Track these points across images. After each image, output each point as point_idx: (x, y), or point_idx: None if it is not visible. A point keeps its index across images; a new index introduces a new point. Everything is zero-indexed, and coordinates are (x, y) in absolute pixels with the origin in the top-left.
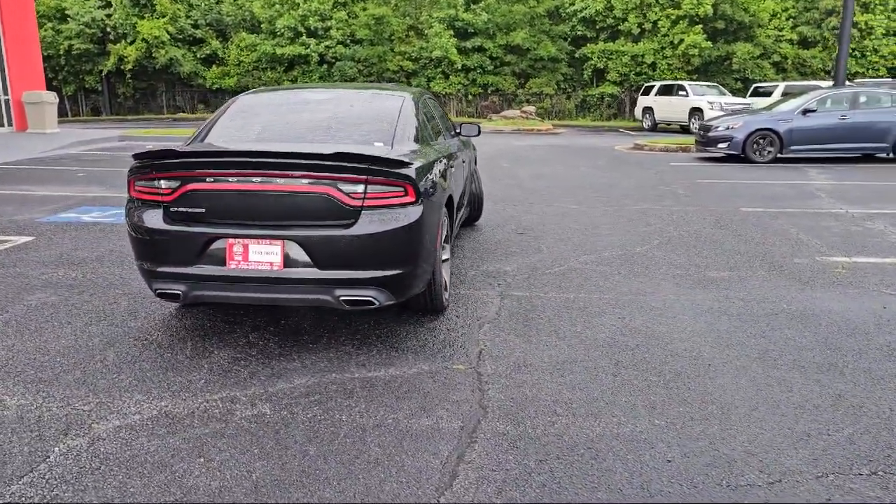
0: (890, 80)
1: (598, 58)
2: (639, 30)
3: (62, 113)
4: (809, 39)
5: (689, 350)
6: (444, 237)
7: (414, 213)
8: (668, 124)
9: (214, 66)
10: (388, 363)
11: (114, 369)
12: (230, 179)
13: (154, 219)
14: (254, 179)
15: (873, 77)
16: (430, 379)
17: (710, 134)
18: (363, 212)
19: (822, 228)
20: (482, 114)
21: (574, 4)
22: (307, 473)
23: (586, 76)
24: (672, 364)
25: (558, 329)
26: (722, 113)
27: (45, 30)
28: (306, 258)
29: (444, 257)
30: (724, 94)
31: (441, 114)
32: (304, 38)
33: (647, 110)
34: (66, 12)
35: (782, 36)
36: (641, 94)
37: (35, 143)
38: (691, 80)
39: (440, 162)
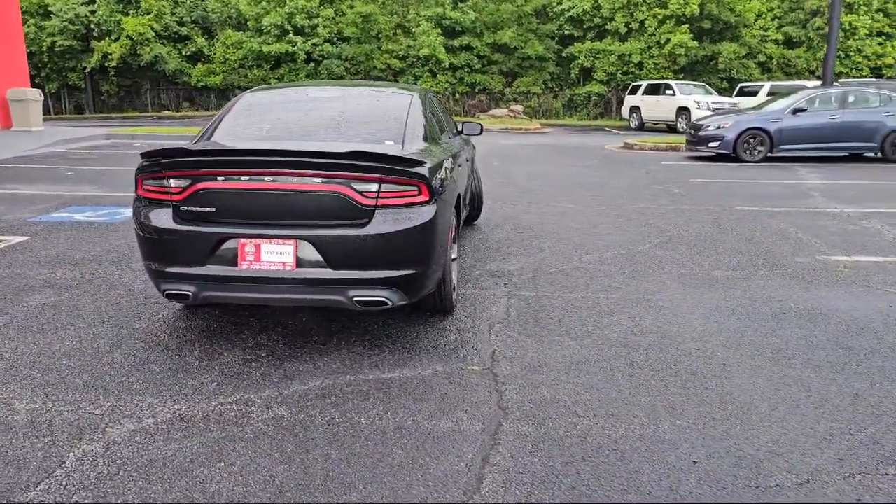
0: (875, 80)
1: (586, 57)
2: (626, 29)
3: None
4: (794, 39)
5: (702, 350)
6: (453, 236)
7: (428, 212)
8: (655, 123)
9: (200, 64)
10: (401, 364)
11: (123, 372)
12: (242, 178)
13: (163, 218)
14: (266, 178)
15: (857, 77)
16: (445, 380)
17: (701, 133)
18: (377, 211)
19: (820, 227)
20: (470, 112)
21: (561, 4)
22: (331, 477)
23: (573, 75)
24: (687, 364)
25: (569, 329)
26: (709, 112)
27: (28, 26)
28: (319, 258)
29: (452, 257)
30: (711, 94)
31: (444, 112)
32: (290, 35)
33: (635, 109)
34: (49, 8)
35: (767, 36)
36: (628, 94)
37: (20, 141)
38: (678, 79)
39: (449, 161)
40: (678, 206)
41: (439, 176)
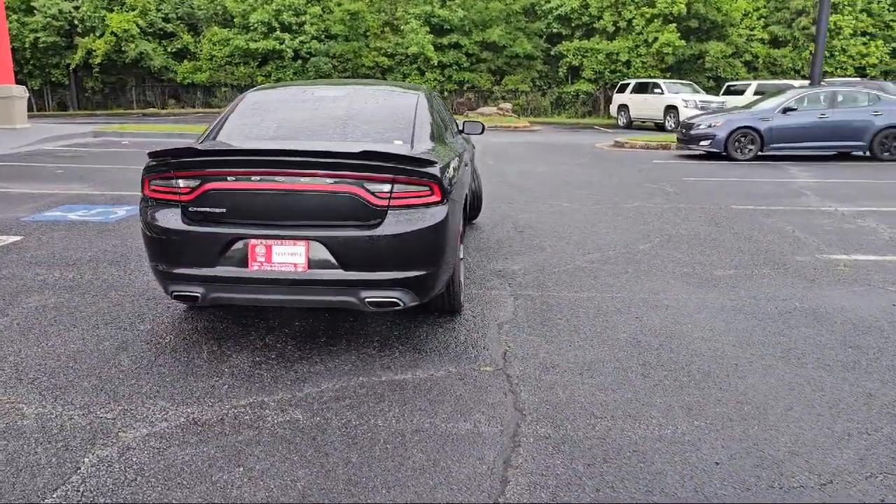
0: (859, 79)
1: (574, 55)
2: (614, 28)
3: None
4: (780, 39)
5: (712, 349)
6: (461, 236)
7: (440, 213)
8: (643, 122)
9: (186, 61)
10: (413, 365)
11: (131, 375)
12: (253, 178)
13: (171, 219)
14: (277, 178)
15: (842, 76)
16: (459, 381)
17: (692, 132)
18: (389, 212)
19: (816, 226)
20: (458, 111)
21: (549, 2)
22: (353, 482)
23: (561, 73)
24: (699, 364)
25: (578, 329)
26: (698, 111)
27: (11, 22)
28: (331, 259)
29: (459, 256)
30: (699, 93)
31: (447, 111)
32: (277, 32)
33: (623, 108)
34: (32, 4)
35: (754, 35)
36: (617, 92)
37: (5, 139)
38: (665, 78)
39: (456, 160)
40: (674, 205)
41: (449, 176)
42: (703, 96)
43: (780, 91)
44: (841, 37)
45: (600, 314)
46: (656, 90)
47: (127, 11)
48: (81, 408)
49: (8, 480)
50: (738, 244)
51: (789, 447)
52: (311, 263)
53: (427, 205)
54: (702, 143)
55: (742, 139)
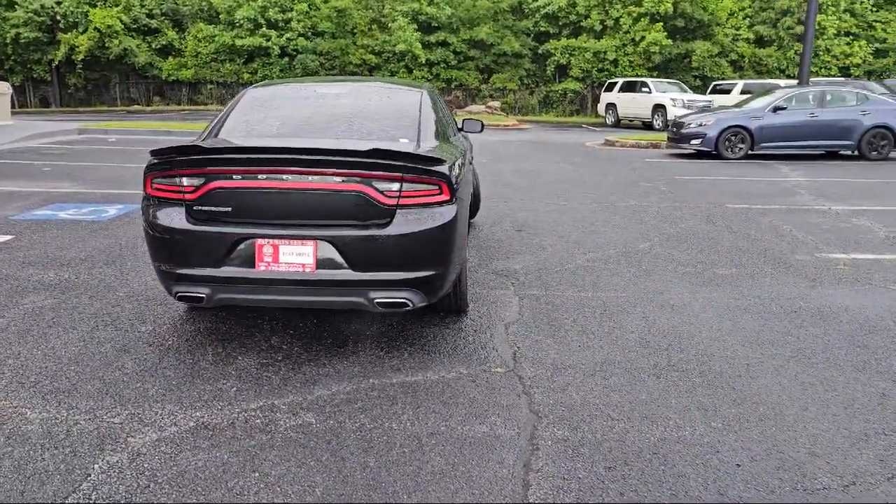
0: (844, 79)
1: (561, 54)
2: (601, 26)
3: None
4: (765, 39)
5: (722, 350)
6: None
7: (449, 212)
8: (631, 120)
9: (171, 58)
10: (424, 367)
11: (135, 378)
12: (259, 177)
13: (175, 218)
14: (284, 177)
15: (826, 76)
16: (471, 383)
17: (683, 130)
18: (398, 211)
19: (812, 225)
20: None
21: (537, 0)
22: (373, 487)
23: (549, 72)
24: (710, 364)
25: (585, 329)
26: (685, 110)
27: None
28: (340, 259)
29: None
30: (686, 92)
31: (446, 109)
32: (264, 29)
33: (611, 106)
34: None
35: (739, 35)
36: (605, 91)
37: None
38: (652, 77)
39: (461, 159)
40: (669, 204)
41: (457, 175)
42: (691, 95)
43: (768, 90)
44: (825, 37)
45: (606, 314)
46: (644, 89)
47: (110, 7)
48: (87, 412)
49: (16, 489)
50: (736, 243)
51: (808, 448)
52: (320, 263)
53: (436, 204)
54: (693, 141)
55: (733, 138)
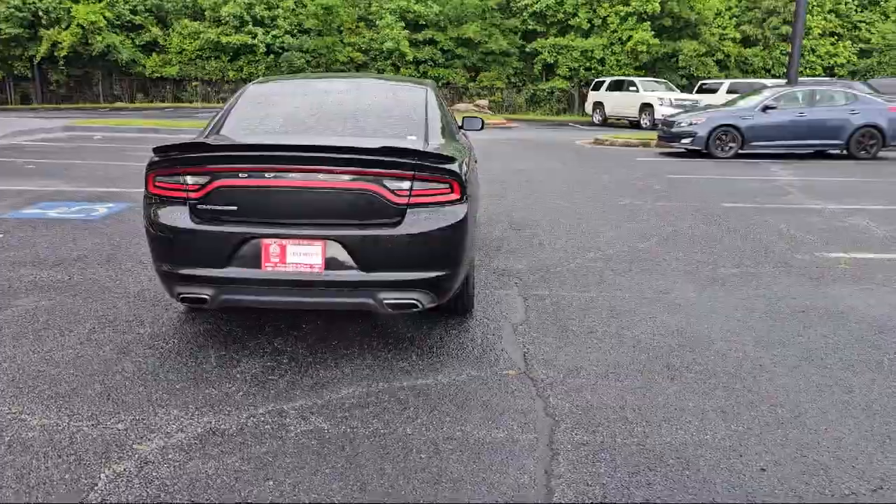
0: (830, 79)
1: (549, 52)
2: (588, 25)
3: None
4: (751, 38)
5: (734, 350)
6: None
7: (460, 211)
8: (618, 119)
9: (155, 54)
10: (433, 369)
11: (137, 381)
12: (266, 175)
13: (179, 217)
14: (292, 175)
15: (811, 76)
16: (483, 386)
17: (674, 129)
18: (409, 210)
19: (809, 224)
20: None
21: None
22: (391, 494)
23: (536, 70)
24: (723, 366)
25: (594, 330)
26: (673, 109)
27: None
28: (349, 259)
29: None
30: (673, 91)
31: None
32: (250, 26)
33: (598, 105)
34: None
35: (726, 34)
36: (592, 90)
37: None
38: (639, 75)
39: (468, 156)
40: (665, 203)
41: (467, 173)
42: (678, 94)
43: (758, 90)
44: (810, 37)
45: (613, 314)
46: (631, 88)
47: (93, 3)
48: (89, 418)
49: (20, 500)
50: (735, 242)
51: (832, 452)
52: (328, 264)
53: (447, 203)
54: (683, 140)
55: (723, 137)
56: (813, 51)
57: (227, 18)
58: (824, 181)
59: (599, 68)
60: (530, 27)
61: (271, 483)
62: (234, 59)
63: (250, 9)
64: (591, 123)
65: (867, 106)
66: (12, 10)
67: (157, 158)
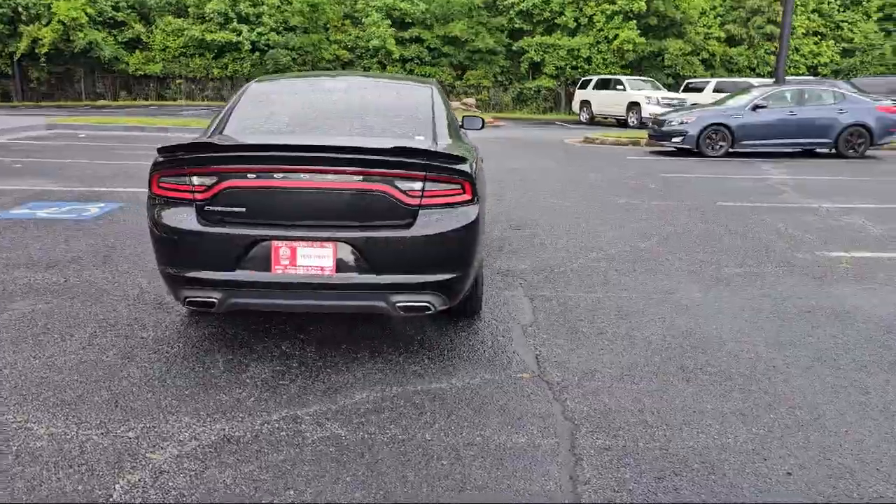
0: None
1: (535, 51)
2: (575, 24)
3: None
4: (736, 37)
5: (745, 351)
6: None
7: (472, 212)
8: (605, 118)
9: (138, 52)
10: (446, 373)
11: (145, 387)
12: (276, 175)
13: (185, 219)
14: (303, 176)
15: (794, 75)
16: (498, 389)
17: (665, 128)
18: (421, 211)
19: (806, 223)
20: None
21: None
22: (416, 502)
23: (523, 69)
24: (737, 367)
25: (603, 331)
26: (660, 108)
27: None
28: (361, 262)
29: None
30: (660, 89)
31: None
32: (234, 24)
33: (585, 104)
34: None
35: (710, 33)
36: (579, 88)
37: None
38: (625, 74)
39: (476, 155)
40: (661, 202)
41: (477, 173)
42: (665, 93)
43: (746, 89)
44: (794, 36)
45: (622, 315)
46: (618, 87)
47: None
48: (98, 426)
49: None
50: (735, 242)
51: (856, 455)
52: (340, 266)
53: (459, 204)
54: (674, 139)
55: (714, 136)
56: (797, 50)
57: (212, 15)
58: (816, 180)
59: (586, 67)
60: (517, 26)
61: (292, 492)
62: (218, 57)
63: (235, 5)
64: (578, 122)
65: (855, 105)
66: None
67: (161, 159)
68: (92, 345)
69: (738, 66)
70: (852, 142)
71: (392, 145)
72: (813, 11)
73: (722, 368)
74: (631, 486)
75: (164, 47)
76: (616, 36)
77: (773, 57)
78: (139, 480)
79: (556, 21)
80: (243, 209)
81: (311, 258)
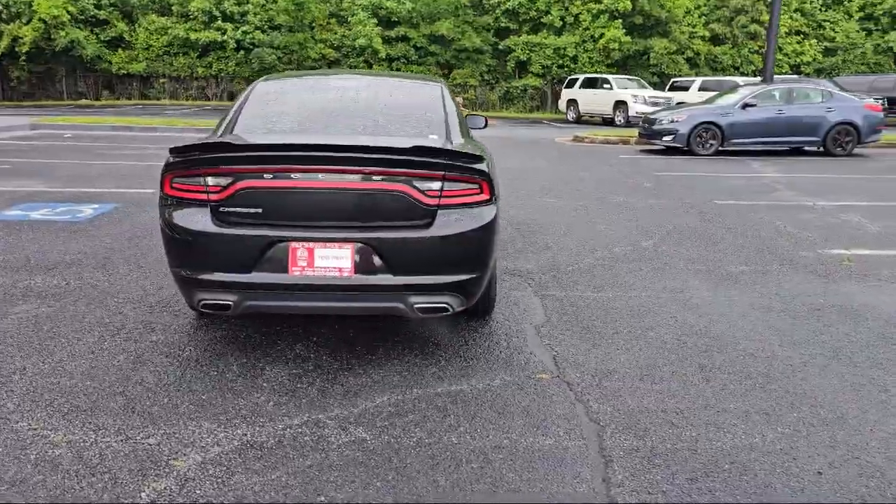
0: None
1: (522, 50)
2: (561, 23)
3: None
4: (720, 36)
5: (761, 350)
6: None
7: (489, 212)
8: (592, 116)
9: (121, 50)
10: (465, 374)
11: (160, 392)
12: (293, 176)
13: (199, 220)
14: (320, 176)
15: (777, 73)
16: (520, 391)
17: (655, 127)
18: (439, 211)
19: (805, 221)
20: None
21: None
22: None
23: (510, 68)
24: (755, 366)
25: (618, 331)
26: (647, 106)
27: None
28: (380, 263)
29: None
30: (646, 88)
31: None
32: (219, 22)
33: (572, 103)
34: None
35: (695, 32)
36: (566, 87)
37: None
38: (611, 73)
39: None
40: (658, 200)
41: (493, 172)
42: (652, 92)
43: (732, 88)
44: (777, 35)
45: (634, 314)
46: (605, 85)
47: None
48: (116, 433)
49: None
50: (736, 240)
51: (884, 453)
52: (358, 267)
53: (476, 204)
54: (665, 137)
55: (704, 134)
56: (780, 48)
57: (196, 14)
58: (807, 178)
59: (572, 66)
60: (503, 25)
61: (323, 499)
62: (202, 56)
63: (219, 4)
64: (565, 121)
65: (843, 103)
66: None
67: (174, 159)
68: (101, 349)
69: (722, 64)
70: (840, 140)
71: (409, 145)
72: (795, 11)
73: (739, 368)
74: (664, 488)
75: (148, 46)
76: (602, 35)
77: (756, 56)
78: (165, 489)
79: (542, 20)
80: (259, 210)
81: (329, 259)
